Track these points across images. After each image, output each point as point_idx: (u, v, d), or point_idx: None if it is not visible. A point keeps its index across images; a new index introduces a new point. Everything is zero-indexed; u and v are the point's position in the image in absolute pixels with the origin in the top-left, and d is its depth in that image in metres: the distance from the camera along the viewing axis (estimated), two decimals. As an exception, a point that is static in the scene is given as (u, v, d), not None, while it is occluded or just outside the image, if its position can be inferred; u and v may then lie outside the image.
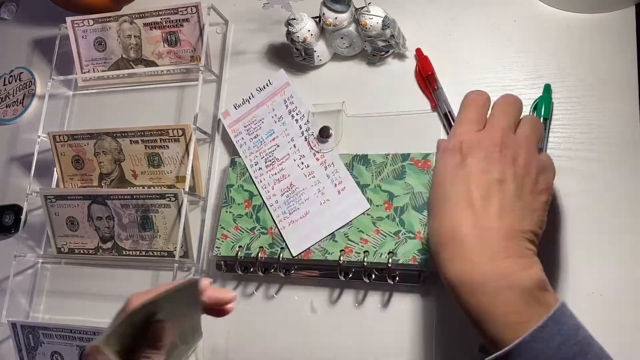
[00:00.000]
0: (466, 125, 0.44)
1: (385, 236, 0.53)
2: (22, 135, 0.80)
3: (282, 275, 0.58)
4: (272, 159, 0.61)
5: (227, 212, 0.61)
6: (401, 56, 0.62)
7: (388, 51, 0.61)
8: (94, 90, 0.77)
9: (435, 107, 0.58)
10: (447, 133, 0.57)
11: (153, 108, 0.73)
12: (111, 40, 0.73)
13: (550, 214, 0.52)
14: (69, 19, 0.74)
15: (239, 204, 0.61)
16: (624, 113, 0.53)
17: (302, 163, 0.60)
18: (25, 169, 0.77)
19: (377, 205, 0.55)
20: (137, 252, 0.66)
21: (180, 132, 0.64)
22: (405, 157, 0.56)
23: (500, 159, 0.41)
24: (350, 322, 0.56)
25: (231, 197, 0.62)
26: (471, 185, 0.41)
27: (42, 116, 0.72)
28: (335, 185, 0.58)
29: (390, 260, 0.52)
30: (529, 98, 0.56)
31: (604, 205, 0.51)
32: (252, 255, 0.58)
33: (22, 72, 0.82)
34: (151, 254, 0.65)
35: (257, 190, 0.61)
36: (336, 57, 0.65)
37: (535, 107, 0.55)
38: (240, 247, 0.59)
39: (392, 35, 0.58)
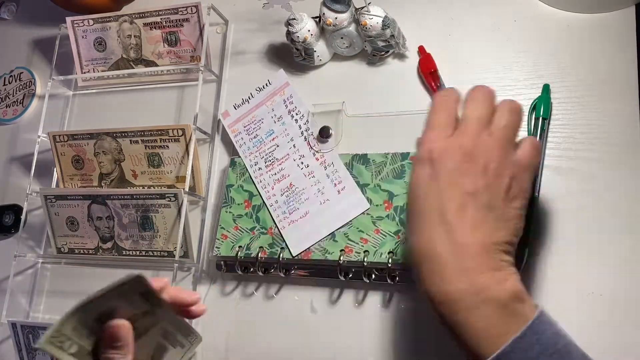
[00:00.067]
0: (435, 131, 0.43)
1: (385, 236, 0.53)
2: (22, 135, 0.80)
3: (282, 275, 0.58)
4: (272, 159, 0.61)
5: (227, 212, 0.61)
6: (401, 56, 0.62)
7: (388, 51, 0.61)
8: (94, 90, 0.77)
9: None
10: None
11: (153, 108, 0.73)
12: (111, 40, 0.73)
13: (550, 213, 0.52)
14: (69, 19, 0.74)
15: (238, 204, 0.61)
16: (624, 113, 0.53)
17: (302, 163, 0.60)
18: (25, 169, 0.77)
19: (377, 205, 0.55)
20: (137, 252, 0.66)
21: (180, 132, 0.64)
22: (404, 156, 0.56)
23: (471, 169, 0.40)
24: (350, 322, 0.56)
25: (231, 197, 0.62)
26: (443, 200, 0.40)
27: (42, 116, 0.72)
28: (335, 185, 0.58)
29: (390, 260, 0.52)
30: (528, 98, 0.56)
31: (604, 205, 0.51)
32: (252, 255, 0.58)
33: (22, 72, 0.83)
34: (151, 254, 0.65)
35: (257, 190, 0.61)
36: (336, 57, 0.65)
37: (535, 107, 0.55)
38: (240, 247, 0.59)
39: (392, 35, 0.58)
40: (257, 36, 0.70)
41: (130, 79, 0.74)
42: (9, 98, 0.82)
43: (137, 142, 0.67)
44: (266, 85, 0.64)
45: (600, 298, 0.49)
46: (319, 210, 0.58)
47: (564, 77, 0.56)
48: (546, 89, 0.55)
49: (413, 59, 0.62)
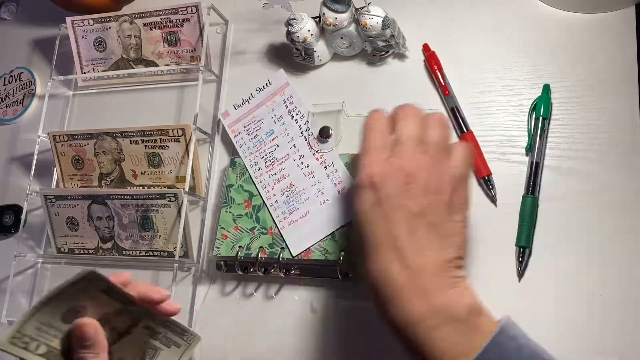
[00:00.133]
0: (372, 155, 0.43)
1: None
2: (22, 135, 0.80)
3: (282, 275, 0.58)
4: (272, 159, 0.61)
5: (227, 212, 0.61)
6: (401, 56, 0.62)
7: (388, 51, 0.61)
8: (94, 90, 0.77)
9: (447, 94, 0.58)
10: (455, 128, 0.57)
11: (153, 108, 0.73)
12: (111, 40, 0.73)
13: (550, 213, 0.52)
14: (69, 19, 0.74)
15: (238, 204, 0.61)
16: (624, 113, 0.53)
17: (302, 163, 0.60)
18: (25, 169, 0.77)
19: (377, 205, 0.55)
20: (137, 252, 0.66)
21: (180, 132, 0.64)
22: (405, 157, 0.56)
23: (413, 190, 0.41)
24: (350, 322, 0.56)
25: (231, 197, 0.62)
26: (391, 225, 0.41)
27: (42, 116, 0.72)
28: (335, 185, 0.58)
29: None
30: (528, 98, 0.56)
31: (604, 205, 0.51)
32: (252, 255, 0.58)
33: (22, 72, 0.83)
34: (151, 254, 0.65)
35: (257, 190, 0.61)
36: (336, 57, 0.65)
37: (535, 107, 0.55)
38: (240, 247, 0.59)
39: (392, 35, 0.58)
40: (257, 36, 0.70)
41: (130, 79, 0.74)
42: (9, 98, 0.82)
43: (137, 142, 0.67)
44: (266, 85, 0.64)
45: (600, 298, 0.49)
46: (319, 210, 0.58)
47: (564, 77, 0.56)
48: (546, 89, 0.55)
49: (413, 58, 0.62)
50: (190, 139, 0.64)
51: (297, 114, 0.62)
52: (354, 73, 0.63)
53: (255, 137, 0.63)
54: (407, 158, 0.42)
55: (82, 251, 0.69)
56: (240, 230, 0.60)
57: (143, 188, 0.68)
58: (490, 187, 0.54)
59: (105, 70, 0.74)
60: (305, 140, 0.61)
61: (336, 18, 0.59)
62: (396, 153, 0.43)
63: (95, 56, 0.74)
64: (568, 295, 0.50)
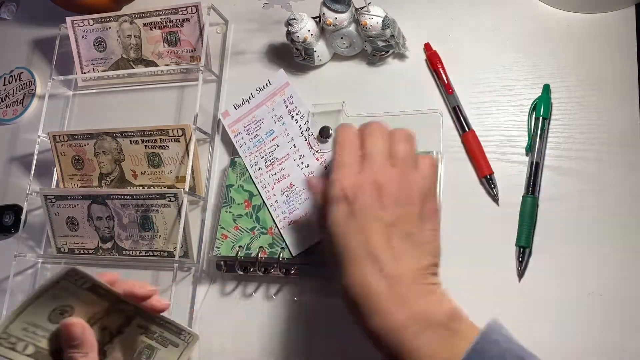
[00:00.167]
0: (343, 170, 0.44)
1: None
2: (22, 135, 0.80)
3: (282, 275, 0.58)
4: (272, 159, 0.61)
5: (227, 212, 0.61)
6: (401, 56, 0.62)
7: (388, 51, 0.61)
8: (94, 90, 0.77)
9: (451, 92, 0.58)
10: (457, 127, 0.57)
11: (153, 108, 0.73)
12: (111, 40, 0.73)
13: (550, 213, 0.52)
14: (69, 19, 0.74)
15: (238, 204, 0.61)
16: (624, 113, 0.53)
17: (302, 163, 0.60)
18: (25, 169, 0.77)
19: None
20: (137, 252, 0.66)
21: (180, 132, 0.64)
22: (405, 157, 0.56)
23: (385, 202, 0.42)
24: (350, 322, 0.56)
25: (231, 197, 0.62)
26: (366, 236, 0.41)
27: (42, 116, 0.72)
28: (335, 185, 0.58)
29: None
30: (528, 98, 0.56)
31: (604, 205, 0.51)
32: (252, 255, 0.58)
33: (22, 72, 0.83)
34: (151, 254, 0.65)
35: (257, 190, 0.61)
36: (336, 57, 0.65)
37: (535, 107, 0.55)
38: (240, 247, 0.59)
39: (392, 35, 0.59)
40: (257, 36, 0.70)
41: (130, 79, 0.74)
42: (9, 98, 0.82)
43: (137, 142, 0.67)
44: (266, 85, 0.64)
45: (600, 298, 0.49)
46: (319, 210, 0.58)
47: (564, 77, 0.56)
48: (546, 89, 0.55)
49: (413, 58, 0.62)
50: (190, 139, 0.64)
51: (297, 114, 0.62)
52: (354, 73, 0.63)
53: (255, 137, 0.63)
54: (377, 171, 0.43)
55: (82, 251, 0.69)
56: (240, 230, 0.60)
57: (143, 188, 0.68)
58: (492, 186, 0.54)
59: (105, 70, 0.74)
60: (306, 140, 0.60)
61: (336, 18, 0.59)
62: (367, 167, 0.44)
63: (95, 56, 0.74)
64: (568, 295, 0.50)
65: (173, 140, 0.65)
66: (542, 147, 0.54)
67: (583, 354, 0.48)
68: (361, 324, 0.41)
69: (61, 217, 0.69)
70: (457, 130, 0.57)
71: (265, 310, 0.59)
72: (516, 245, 0.52)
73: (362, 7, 0.58)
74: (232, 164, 0.63)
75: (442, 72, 0.59)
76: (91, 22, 0.73)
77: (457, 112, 0.57)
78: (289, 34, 0.61)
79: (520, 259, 0.51)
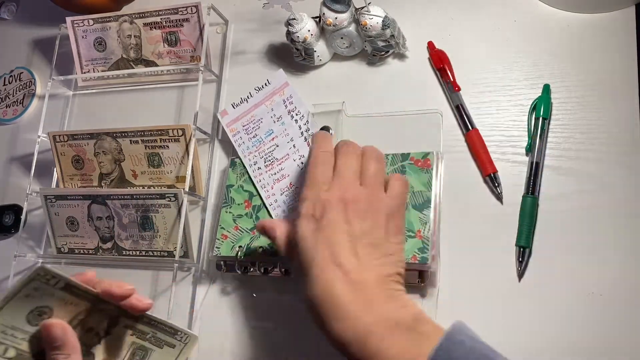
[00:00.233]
0: (314, 188, 0.47)
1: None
2: (22, 135, 0.80)
3: (282, 275, 0.58)
4: (272, 159, 0.61)
5: (227, 212, 0.61)
6: (401, 56, 0.62)
7: (388, 51, 0.61)
8: (94, 90, 0.77)
9: (457, 90, 0.58)
10: (460, 125, 0.57)
11: (153, 108, 0.73)
12: (111, 40, 0.73)
13: (550, 213, 0.52)
14: (69, 19, 0.74)
15: (238, 204, 0.61)
16: (624, 113, 0.53)
17: (302, 163, 0.60)
18: (25, 169, 0.77)
19: (377, 205, 0.55)
20: (137, 252, 0.66)
21: (180, 132, 0.64)
22: (405, 156, 0.56)
23: (352, 216, 0.45)
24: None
25: (231, 197, 0.62)
26: (332, 247, 0.43)
27: (42, 116, 0.72)
28: (335, 185, 0.58)
29: None
30: (528, 98, 0.56)
31: (604, 205, 0.51)
32: (253, 255, 0.58)
33: (22, 72, 0.83)
34: (151, 254, 0.65)
35: (256, 190, 0.61)
36: (336, 57, 0.65)
37: (535, 107, 0.55)
38: (240, 247, 0.59)
39: (392, 35, 0.59)
40: (257, 36, 0.70)
41: (130, 79, 0.74)
42: (9, 98, 0.82)
43: (137, 142, 0.67)
44: (265, 84, 0.63)
45: (600, 298, 0.49)
46: (319, 210, 0.58)
47: (564, 77, 0.56)
48: (546, 89, 0.55)
49: (413, 58, 0.62)
50: (190, 139, 0.64)
51: (296, 114, 0.62)
52: (354, 73, 0.63)
53: (254, 137, 0.63)
54: (346, 189, 0.46)
55: (82, 251, 0.69)
56: (240, 230, 0.60)
57: (143, 188, 0.68)
58: (496, 184, 0.54)
59: (105, 70, 0.74)
60: (305, 140, 0.60)
61: (336, 18, 0.59)
62: (336, 184, 0.47)
63: (95, 56, 0.74)
64: (568, 295, 0.50)
65: (173, 140, 0.65)
66: (542, 147, 0.54)
67: (583, 354, 0.48)
68: (327, 330, 0.42)
69: (61, 217, 0.69)
70: (461, 129, 0.57)
71: (265, 310, 0.59)
72: (516, 245, 0.52)
73: (362, 7, 0.58)
74: (232, 164, 0.63)
75: (447, 69, 0.58)
76: (91, 22, 0.73)
77: (460, 111, 0.57)
78: (289, 34, 0.61)
79: (520, 259, 0.51)
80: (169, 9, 0.69)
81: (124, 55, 0.73)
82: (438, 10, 0.62)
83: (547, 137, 0.54)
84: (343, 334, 0.40)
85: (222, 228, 0.60)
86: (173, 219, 0.63)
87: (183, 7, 0.68)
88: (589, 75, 0.55)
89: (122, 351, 0.47)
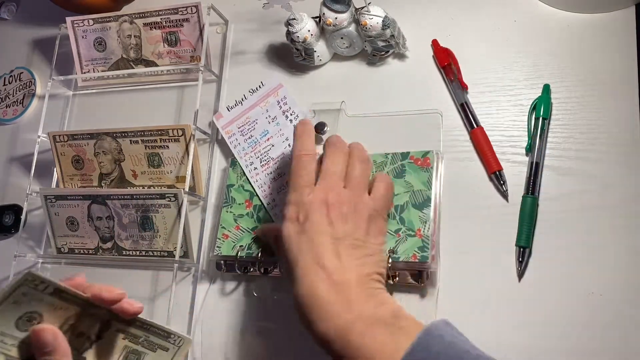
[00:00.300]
0: (297, 192, 0.49)
1: (386, 234, 0.53)
2: (22, 135, 0.80)
3: (281, 275, 0.58)
4: (268, 159, 0.62)
5: (227, 212, 0.61)
6: (401, 56, 0.62)
7: (388, 51, 0.61)
8: (94, 90, 0.77)
9: (466, 88, 0.58)
10: (465, 123, 0.57)
11: (153, 108, 0.73)
12: (111, 40, 0.73)
13: (550, 213, 0.52)
14: (69, 19, 0.74)
15: (239, 204, 0.61)
16: (624, 113, 0.53)
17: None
18: (25, 169, 0.77)
19: (377, 205, 0.55)
20: (137, 252, 0.66)
21: (180, 132, 0.64)
22: (405, 155, 0.56)
23: (334, 218, 0.46)
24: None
25: (232, 197, 0.62)
26: (315, 248, 0.45)
27: (42, 116, 0.72)
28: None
29: (390, 259, 0.52)
30: (528, 98, 0.56)
31: (604, 205, 0.51)
32: (253, 255, 0.58)
33: (22, 72, 0.83)
34: (151, 254, 0.65)
35: (254, 189, 0.61)
36: (336, 57, 0.65)
37: (535, 107, 0.55)
38: (241, 246, 0.59)
39: (392, 35, 0.59)
40: (257, 36, 0.70)
41: (130, 79, 0.74)
42: (9, 98, 0.82)
43: (137, 142, 0.67)
44: (259, 87, 0.64)
45: (600, 298, 0.49)
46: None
47: (564, 77, 0.56)
48: (546, 89, 0.55)
49: (413, 58, 0.62)
50: (190, 139, 0.64)
51: (291, 114, 0.62)
52: (354, 73, 0.63)
53: (250, 138, 0.63)
54: (329, 191, 0.48)
55: (82, 251, 0.69)
56: (241, 230, 0.60)
57: (143, 188, 0.68)
58: (502, 182, 0.54)
59: (105, 70, 0.74)
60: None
61: (336, 18, 0.59)
62: (320, 186, 0.48)
63: (95, 56, 0.74)
64: (568, 295, 0.50)
65: (173, 140, 0.65)
66: (542, 147, 0.54)
67: (583, 354, 0.48)
68: (311, 329, 0.43)
69: (61, 217, 0.69)
70: (465, 126, 0.57)
71: (265, 310, 0.59)
72: (516, 245, 0.52)
73: (362, 7, 0.58)
74: (233, 164, 0.63)
75: (454, 67, 0.58)
76: (91, 22, 0.73)
77: (465, 109, 0.57)
78: (289, 34, 0.61)
79: (520, 259, 0.51)
80: (169, 9, 0.69)
81: (124, 55, 0.73)
82: (438, 10, 0.62)
83: (547, 137, 0.54)
84: (326, 332, 0.42)
85: (223, 228, 0.60)
86: (173, 219, 0.63)
87: (183, 7, 0.68)
88: (589, 75, 0.55)
89: (114, 355, 0.47)
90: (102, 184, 0.70)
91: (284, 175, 0.60)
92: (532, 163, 0.53)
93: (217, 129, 0.67)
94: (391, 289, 0.55)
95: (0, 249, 0.75)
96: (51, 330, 0.42)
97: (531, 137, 0.54)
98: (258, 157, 0.62)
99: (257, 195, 0.61)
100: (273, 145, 0.62)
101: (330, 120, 0.60)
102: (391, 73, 0.62)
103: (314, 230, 0.46)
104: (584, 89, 0.55)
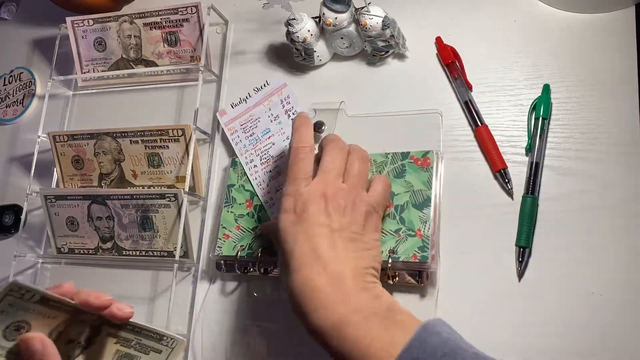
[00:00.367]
0: (294, 184, 0.48)
1: (386, 234, 0.53)
2: (22, 135, 0.80)
3: (279, 270, 0.58)
4: (268, 157, 0.62)
5: (228, 211, 0.61)
6: (401, 56, 0.62)
7: (388, 51, 0.61)
8: (94, 90, 0.77)
9: (471, 88, 0.57)
10: (469, 121, 0.57)
11: (153, 108, 0.73)
12: (111, 40, 0.73)
13: (550, 213, 0.52)
14: (69, 19, 0.74)
15: (240, 204, 0.61)
16: (624, 113, 0.53)
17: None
18: (25, 169, 0.77)
19: (377, 205, 0.55)
20: (137, 252, 0.66)
21: (180, 132, 0.64)
22: (405, 155, 0.56)
23: (332, 211, 0.46)
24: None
25: (232, 196, 0.62)
26: (312, 239, 0.45)
27: (42, 116, 0.72)
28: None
29: (390, 259, 0.52)
30: (528, 98, 0.56)
31: (604, 205, 0.51)
32: (254, 255, 0.58)
33: (22, 72, 0.83)
34: (151, 254, 0.65)
35: (253, 187, 0.61)
36: (336, 57, 0.65)
37: (535, 107, 0.55)
38: (241, 246, 0.59)
39: (392, 35, 0.59)
40: (257, 36, 0.70)
41: (130, 79, 0.74)
42: (9, 98, 0.82)
43: (137, 142, 0.67)
44: (264, 85, 0.64)
45: (600, 298, 0.49)
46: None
47: (564, 77, 0.56)
48: (546, 89, 0.55)
49: (413, 58, 0.62)
50: (190, 139, 0.64)
51: (293, 114, 0.62)
52: (354, 73, 0.63)
53: (251, 135, 0.63)
54: (327, 185, 0.47)
55: (82, 251, 0.69)
56: (242, 230, 0.60)
57: (143, 188, 0.68)
58: (507, 180, 0.54)
59: (105, 70, 0.74)
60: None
61: (336, 18, 0.59)
62: (319, 180, 0.48)
63: (95, 56, 0.74)
64: (568, 295, 0.50)
65: (173, 140, 0.65)
66: (542, 147, 0.54)
67: (583, 354, 0.48)
68: (305, 320, 0.43)
69: (61, 217, 0.69)
70: (470, 124, 0.57)
71: (265, 310, 0.59)
72: (516, 245, 0.52)
73: (362, 7, 0.58)
74: (233, 163, 0.63)
75: (458, 65, 0.58)
76: (91, 22, 0.73)
77: (469, 107, 0.57)
78: (289, 34, 0.61)
79: (520, 259, 0.51)
80: (169, 9, 0.69)
81: (124, 56, 0.73)
82: (438, 10, 0.62)
83: (547, 137, 0.54)
84: (320, 323, 0.42)
85: (224, 228, 0.60)
86: (173, 219, 0.63)
87: (183, 7, 0.68)
88: (589, 75, 0.55)
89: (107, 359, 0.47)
90: (102, 184, 0.70)
91: (282, 174, 0.60)
92: (532, 163, 0.53)
93: (217, 129, 0.68)
94: (391, 289, 0.55)
95: (0, 249, 0.75)
96: (39, 338, 0.42)
97: (531, 137, 0.54)
98: (258, 154, 0.62)
99: (256, 193, 0.61)
100: (274, 144, 0.62)
101: (329, 120, 0.60)
102: (391, 73, 0.62)
103: (311, 221, 0.46)
104: (584, 89, 0.55)
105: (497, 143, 0.55)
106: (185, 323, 0.61)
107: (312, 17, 0.61)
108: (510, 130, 0.56)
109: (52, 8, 0.77)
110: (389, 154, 0.56)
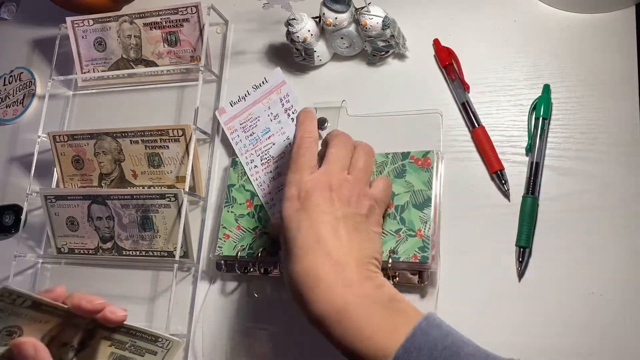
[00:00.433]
0: (298, 173, 0.48)
1: (386, 234, 0.53)
2: (22, 135, 0.80)
3: (281, 275, 0.58)
4: (268, 157, 0.62)
5: (228, 212, 0.61)
6: (401, 56, 0.62)
7: (388, 51, 0.61)
8: (94, 90, 0.77)
9: (468, 89, 0.58)
10: (466, 122, 0.57)
11: (153, 108, 0.73)
12: (111, 40, 0.73)
13: (550, 213, 0.52)
14: (69, 19, 0.74)
15: (240, 204, 0.61)
16: (624, 113, 0.53)
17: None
18: (25, 169, 0.77)
19: (377, 205, 0.55)
20: (137, 252, 0.66)
21: (180, 132, 0.64)
22: (405, 155, 0.56)
23: (336, 200, 0.46)
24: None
25: (232, 196, 0.62)
26: (316, 227, 0.44)
27: (42, 116, 0.72)
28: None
29: (390, 259, 0.52)
30: (528, 98, 0.56)
31: (604, 205, 0.51)
32: (254, 255, 0.58)
33: (22, 72, 0.83)
34: (151, 254, 0.65)
35: (253, 187, 0.61)
36: (336, 57, 0.65)
37: (535, 107, 0.55)
38: (242, 247, 0.59)
39: (392, 35, 0.59)
40: (257, 36, 0.70)
41: (130, 79, 0.74)
42: (9, 98, 0.82)
43: (137, 142, 0.67)
44: (262, 83, 0.64)
45: (600, 298, 0.49)
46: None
47: (564, 77, 0.56)
48: (546, 89, 0.55)
49: (413, 58, 0.62)
50: (190, 139, 0.64)
51: (293, 113, 0.62)
52: (354, 73, 0.63)
53: (251, 135, 0.63)
54: (333, 176, 0.47)
55: (82, 251, 0.69)
56: (242, 230, 0.60)
57: (143, 188, 0.68)
58: (503, 181, 0.54)
59: (105, 70, 0.74)
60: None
61: (336, 18, 0.59)
62: (324, 171, 0.48)
63: (95, 56, 0.74)
64: (568, 295, 0.50)
65: (173, 140, 0.65)
66: (542, 147, 0.54)
67: (583, 354, 0.48)
68: (307, 308, 0.43)
69: (61, 217, 0.69)
70: (467, 126, 0.57)
71: (265, 310, 0.59)
72: (516, 245, 0.52)
73: (362, 7, 0.58)
74: (234, 163, 0.63)
75: (456, 66, 0.58)
76: (91, 22, 0.73)
77: (466, 108, 0.57)
78: (289, 34, 0.61)
79: (520, 259, 0.51)
80: (169, 9, 0.69)
81: (124, 56, 0.73)
82: (438, 10, 0.62)
83: (547, 137, 0.54)
84: (322, 312, 0.42)
85: (224, 228, 0.60)
86: (173, 219, 0.63)
87: (183, 7, 0.68)
88: (589, 75, 0.55)
89: None
90: (102, 184, 0.70)
91: (283, 174, 0.60)
92: (532, 163, 0.53)
93: (218, 129, 0.68)
94: (391, 289, 0.55)
95: (0, 249, 0.75)
96: (32, 343, 0.42)
97: (531, 137, 0.54)
98: (259, 155, 0.62)
99: (256, 193, 0.61)
100: (274, 144, 0.62)
101: (331, 118, 0.60)
102: (391, 73, 0.62)
103: (315, 209, 0.45)
104: (584, 89, 0.55)
105: (497, 143, 0.55)
106: (185, 323, 0.61)
107: (312, 17, 0.61)
108: (510, 130, 0.56)
109: (52, 8, 0.77)
110: (389, 154, 0.56)
